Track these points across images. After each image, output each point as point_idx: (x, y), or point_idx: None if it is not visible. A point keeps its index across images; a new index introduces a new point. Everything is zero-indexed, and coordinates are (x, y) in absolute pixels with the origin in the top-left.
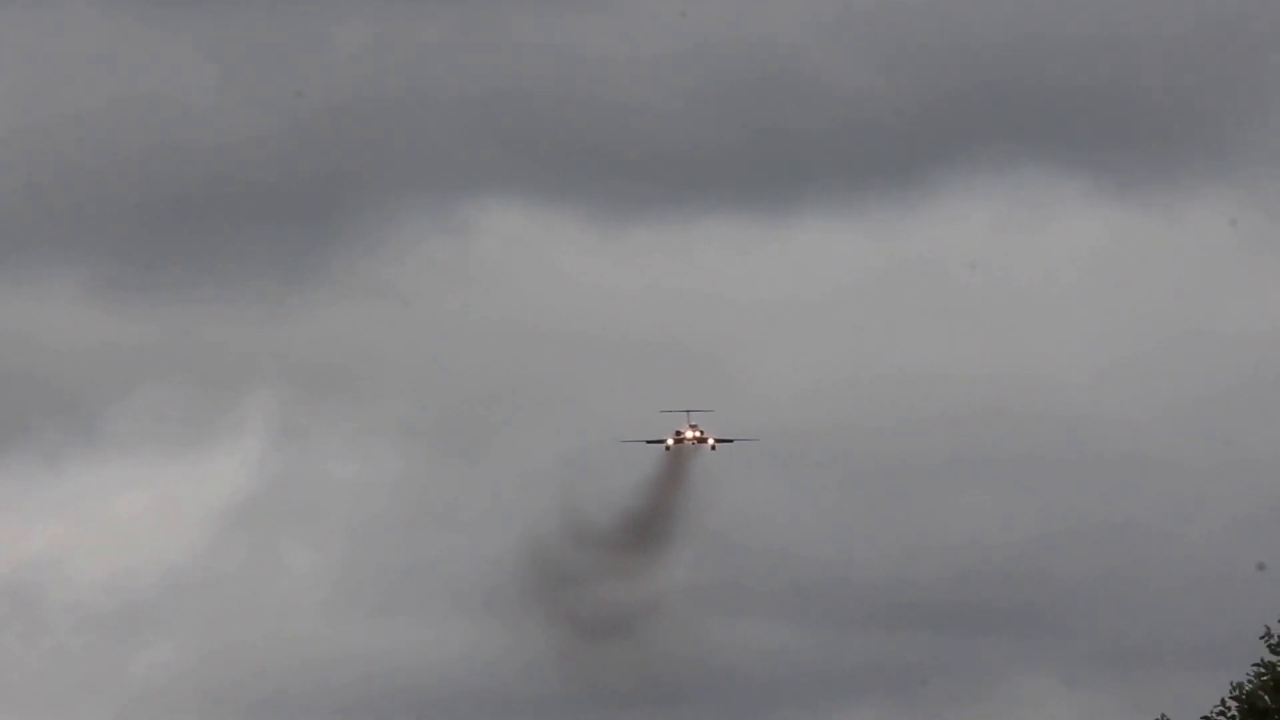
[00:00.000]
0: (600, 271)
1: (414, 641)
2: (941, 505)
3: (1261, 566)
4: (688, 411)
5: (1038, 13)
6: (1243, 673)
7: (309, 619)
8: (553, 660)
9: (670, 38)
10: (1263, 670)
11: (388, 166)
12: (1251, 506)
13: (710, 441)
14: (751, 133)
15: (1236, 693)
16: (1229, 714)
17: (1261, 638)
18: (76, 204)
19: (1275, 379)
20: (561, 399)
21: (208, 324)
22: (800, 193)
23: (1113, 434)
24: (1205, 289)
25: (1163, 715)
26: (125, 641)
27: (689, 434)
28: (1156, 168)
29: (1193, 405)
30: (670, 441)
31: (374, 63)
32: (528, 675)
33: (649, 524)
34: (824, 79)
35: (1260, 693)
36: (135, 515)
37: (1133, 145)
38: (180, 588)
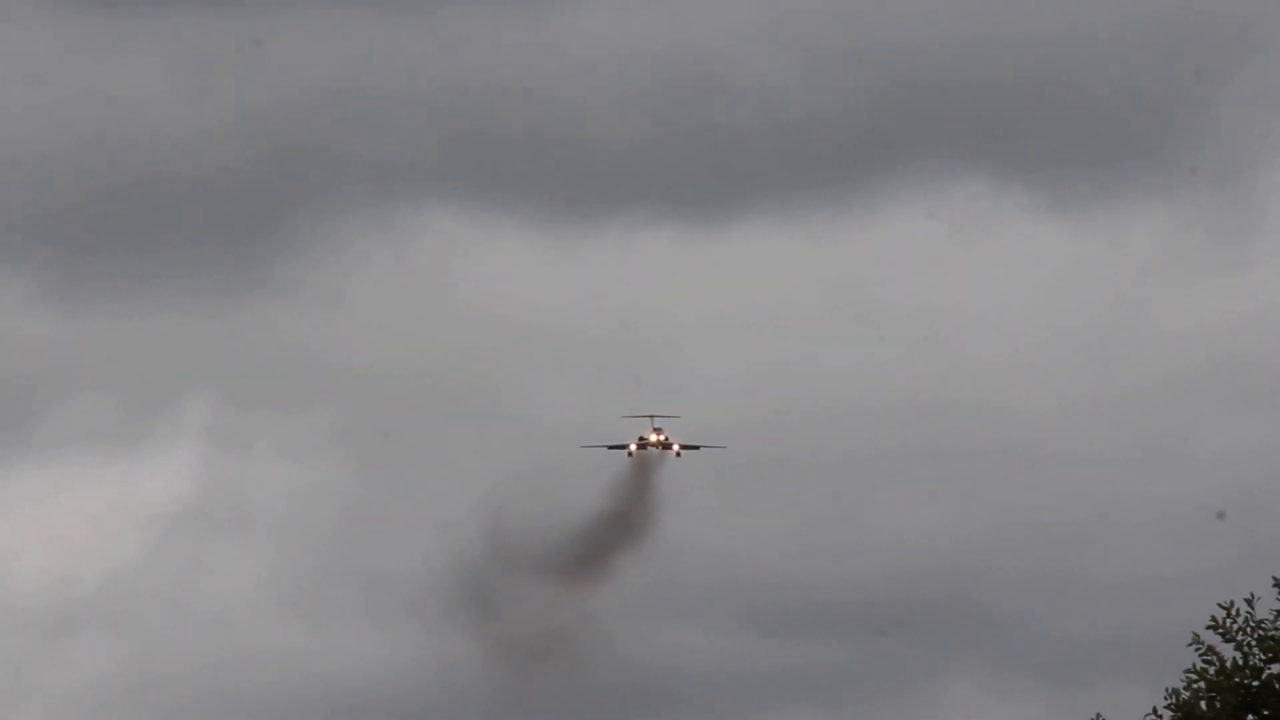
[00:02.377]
0: (544, 275)
1: (354, 650)
2: (877, 511)
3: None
4: (651, 416)
5: (981, 24)
6: (1175, 679)
7: (245, 625)
8: (491, 671)
9: (614, 42)
10: (1195, 676)
11: (327, 169)
12: (1185, 511)
13: (675, 448)
14: (698, 137)
15: (1171, 700)
16: None
17: (1190, 645)
18: (12, 207)
19: (1210, 383)
20: (510, 405)
21: (145, 328)
22: (743, 200)
23: (1043, 436)
24: (1141, 297)
25: (1098, 715)
26: (58, 645)
27: (653, 439)
28: (1097, 183)
29: (1128, 408)
30: (633, 447)
31: (314, 63)
32: (466, 685)
33: (606, 534)
34: (769, 86)
35: (1198, 700)
36: (70, 520)
37: (1074, 159)
38: (114, 592)
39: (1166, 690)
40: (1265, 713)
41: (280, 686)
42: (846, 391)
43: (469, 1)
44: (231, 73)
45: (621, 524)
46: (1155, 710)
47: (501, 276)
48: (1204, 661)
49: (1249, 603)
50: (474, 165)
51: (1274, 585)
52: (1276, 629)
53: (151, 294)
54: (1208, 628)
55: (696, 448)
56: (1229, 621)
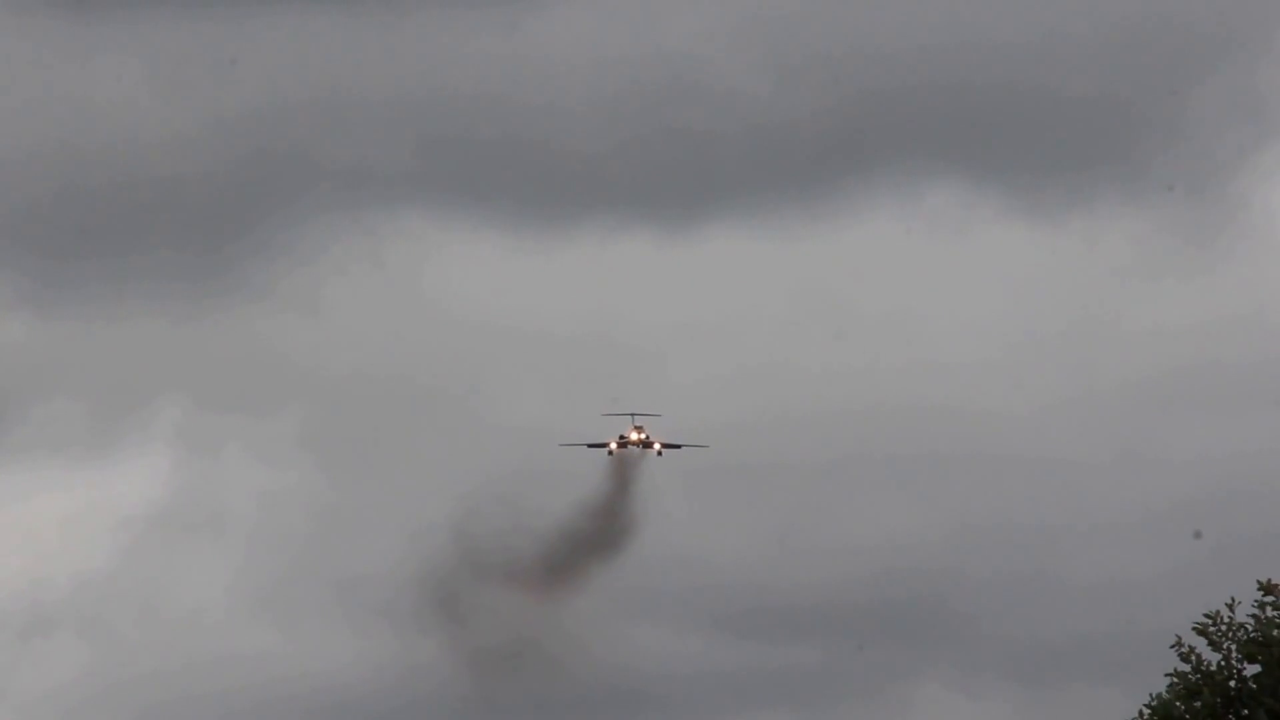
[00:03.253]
0: (519, 278)
1: (326, 654)
2: (852, 512)
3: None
4: (632, 415)
5: (953, 29)
6: (1150, 683)
7: (217, 629)
8: (465, 675)
9: (588, 47)
10: (1176, 680)
11: (302, 174)
12: (1159, 514)
13: (656, 446)
14: (673, 142)
15: (1154, 702)
16: None
17: (1172, 647)
18: None
19: (1183, 387)
20: (487, 406)
21: (117, 331)
22: (718, 204)
23: (1016, 440)
24: (1114, 301)
25: None
26: (28, 648)
27: (634, 437)
28: (1070, 187)
29: (1099, 409)
30: (613, 445)
31: (288, 67)
32: (440, 688)
33: (583, 538)
34: (743, 90)
35: (1176, 702)
36: (43, 523)
37: (1048, 164)
38: (85, 595)
39: (1151, 695)
40: (1245, 713)
41: (252, 690)
42: (821, 395)
43: (444, 7)
44: (206, 78)
45: (599, 529)
46: (1140, 713)
47: (476, 280)
48: (1184, 663)
49: (1229, 607)
50: (448, 170)
51: (1259, 589)
52: (1257, 632)
53: (125, 298)
54: (1194, 630)
55: (678, 446)
56: (1212, 629)
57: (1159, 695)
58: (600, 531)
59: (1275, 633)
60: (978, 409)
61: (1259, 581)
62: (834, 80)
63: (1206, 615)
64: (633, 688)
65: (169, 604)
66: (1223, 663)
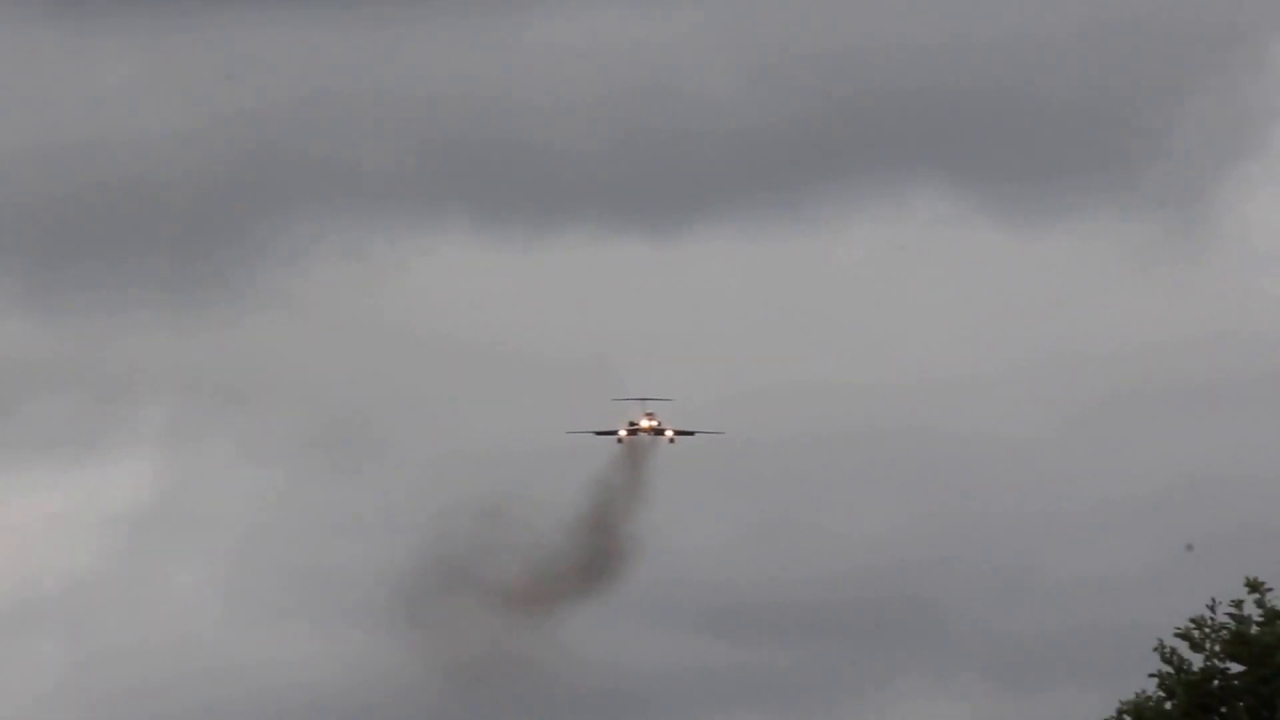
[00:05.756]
0: (500, 280)
1: (309, 653)
2: (822, 514)
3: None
4: (643, 399)
5: (938, 33)
6: (1129, 685)
7: (201, 630)
8: (450, 676)
9: (572, 52)
10: (1159, 681)
11: (287, 176)
12: (1133, 517)
13: (668, 433)
14: (660, 146)
15: (1128, 706)
16: None
17: (1155, 649)
18: None
19: (1151, 392)
20: (474, 406)
21: (102, 332)
22: (703, 208)
23: (993, 446)
24: (1080, 307)
25: None
26: (14, 648)
27: (644, 424)
28: (1050, 194)
29: (1076, 418)
30: (623, 433)
31: (274, 71)
32: (416, 688)
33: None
34: (730, 96)
35: (1151, 701)
36: (27, 523)
37: (1030, 170)
38: (72, 596)
39: (1135, 693)
40: (1223, 710)
41: (235, 688)
42: (803, 400)
43: (427, 11)
44: (189, 80)
45: (591, 554)
46: (1119, 715)
47: (459, 282)
48: (1167, 665)
49: (1211, 609)
50: (432, 173)
51: (1246, 586)
52: (1242, 630)
53: (111, 300)
54: (1175, 635)
55: (691, 433)
56: (1195, 633)
57: (1139, 694)
58: (592, 557)
59: (1254, 630)
60: (961, 410)
61: (1247, 579)
62: (819, 85)
63: (1192, 620)
64: (617, 688)
65: (152, 603)
66: (1205, 664)
